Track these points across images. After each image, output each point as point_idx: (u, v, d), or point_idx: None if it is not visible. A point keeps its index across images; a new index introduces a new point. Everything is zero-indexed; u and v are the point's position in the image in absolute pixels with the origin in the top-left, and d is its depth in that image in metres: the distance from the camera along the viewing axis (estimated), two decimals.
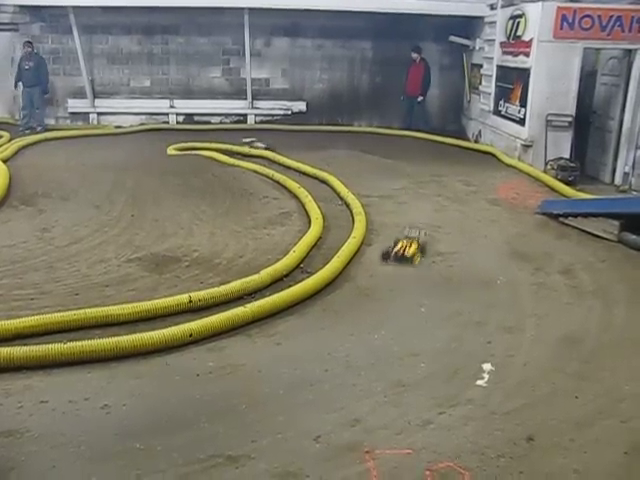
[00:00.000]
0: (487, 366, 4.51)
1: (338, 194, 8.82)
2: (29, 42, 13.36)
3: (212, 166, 10.31)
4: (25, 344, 4.41)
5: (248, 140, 12.02)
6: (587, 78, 10.80)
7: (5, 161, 9.97)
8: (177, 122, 14.49)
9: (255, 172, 9.90)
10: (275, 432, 3.69)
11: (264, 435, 3.66)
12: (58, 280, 5.74)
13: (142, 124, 14.20)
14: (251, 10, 13.27)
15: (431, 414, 3.91)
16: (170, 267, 6.14)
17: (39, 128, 13.33)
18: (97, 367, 4.32)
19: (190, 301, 5.14)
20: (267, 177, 9.62)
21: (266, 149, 11.51)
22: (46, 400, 3.94)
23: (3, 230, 7.09)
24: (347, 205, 8.28)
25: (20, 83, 13.33)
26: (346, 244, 6.64)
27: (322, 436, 3.66)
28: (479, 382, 4.32)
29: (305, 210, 8.00)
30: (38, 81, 13.24)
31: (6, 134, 12.36)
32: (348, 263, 6.31)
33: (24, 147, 11.58)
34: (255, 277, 5.63)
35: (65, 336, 4.58)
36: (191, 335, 4.68)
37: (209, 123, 14.45)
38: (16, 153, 11.01)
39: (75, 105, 14.35)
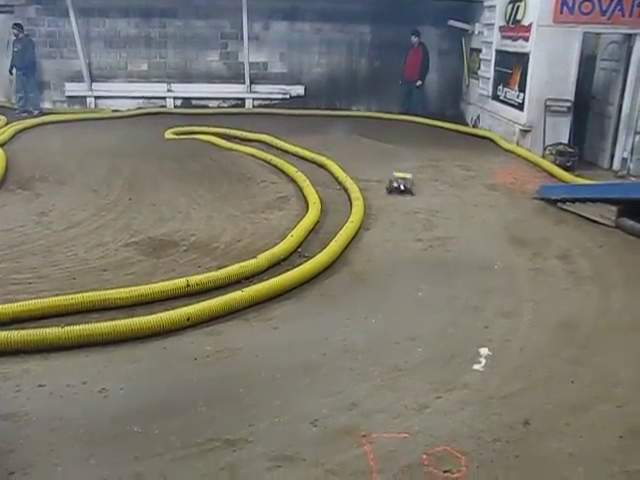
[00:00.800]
0: (484, 351, 4.52)
1: (336, 179, 8.80)
2: (16, 25, 13.20)
3: (210, 150, 10.28)
4: (23, 328, 4.41)
5: (400, 176, 8.54)
6: (586, 63, 10.74)
7: (2, 145, 9.95)
8: (175, 106, 14.42)
9: (253, 156, 9.88)
10: (272, 416, 3.71)
11: (261, 419, 3.67)
12: (55, 264, 5.73)
13: (139, 108, 14.12)
14: None
15: (428, 398, 3.92)
16: (168, 251, 6.14)
17: (36, 112, 13.27)
18: (95, 351, 4.33)
19: (188, 285, 5.14)
20: (265, 161, 9.60)
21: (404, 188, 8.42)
22: (44, 384, 3.95)
23: (0, 214, 7.07)
24: (345, 189, 8.26)
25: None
26: (344, 228, 6.63)
27: (319, 420, 3.68)
28: (476, 367, 4.33)
29: (303, 194, 7.98)
30: (24, 64, 13.16)
31: (3, 118, 12.30)
32: (346, 247, 6.31)
33: (21, 131, 11.52)
34: (253, 261, 5.63)
35: (63, 320, 4.58)
36: (189, 319, 4.68)
37: (207, 107, 14.38)
38: (13, 137, 10.96)
39: (72, 89, 14.25)
